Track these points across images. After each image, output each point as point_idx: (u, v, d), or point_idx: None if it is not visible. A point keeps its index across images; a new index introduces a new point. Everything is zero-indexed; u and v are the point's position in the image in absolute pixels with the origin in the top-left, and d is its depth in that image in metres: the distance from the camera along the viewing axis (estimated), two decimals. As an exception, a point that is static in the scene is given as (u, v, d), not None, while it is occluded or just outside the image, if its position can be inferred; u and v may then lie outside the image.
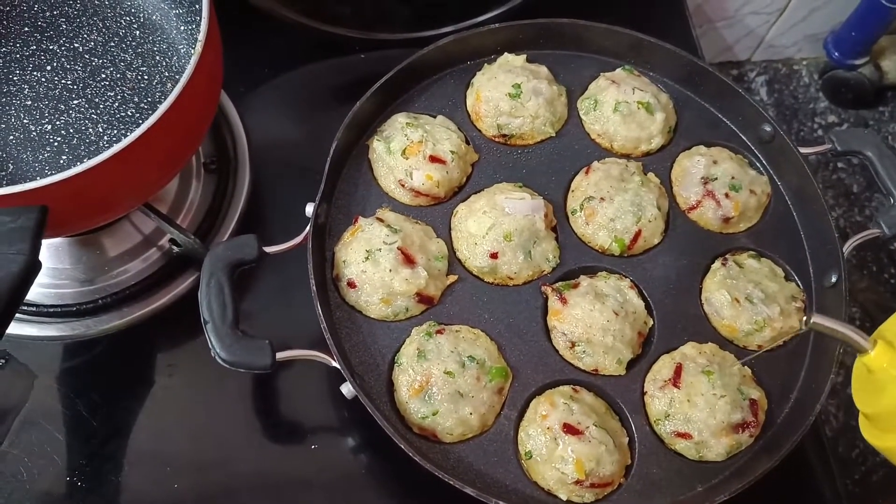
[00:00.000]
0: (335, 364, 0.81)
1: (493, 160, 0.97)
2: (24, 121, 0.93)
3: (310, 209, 0.87)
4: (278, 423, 0.96)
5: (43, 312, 0.98)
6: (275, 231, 1.05)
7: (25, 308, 0.97)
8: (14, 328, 0.97)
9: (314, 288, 0.83)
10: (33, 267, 0.77)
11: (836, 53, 1.47)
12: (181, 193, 1.06)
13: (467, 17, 1.17)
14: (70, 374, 0.97)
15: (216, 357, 0.79)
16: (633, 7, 1.30)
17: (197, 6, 0.97)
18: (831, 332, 0.72)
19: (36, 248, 0.77)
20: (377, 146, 0.95)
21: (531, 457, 0.82)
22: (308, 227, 0.86)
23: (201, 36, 0.85)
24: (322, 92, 1.19)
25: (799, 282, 0.94)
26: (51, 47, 0.98)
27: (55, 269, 1.01)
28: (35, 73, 0.96)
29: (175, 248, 1.01)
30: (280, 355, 0.80)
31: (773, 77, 1.56)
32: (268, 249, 0.85)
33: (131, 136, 0.79)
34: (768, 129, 0.98)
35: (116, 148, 0.78)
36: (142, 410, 0.95)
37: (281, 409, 0.97)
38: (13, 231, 0.76)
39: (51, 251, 1.01)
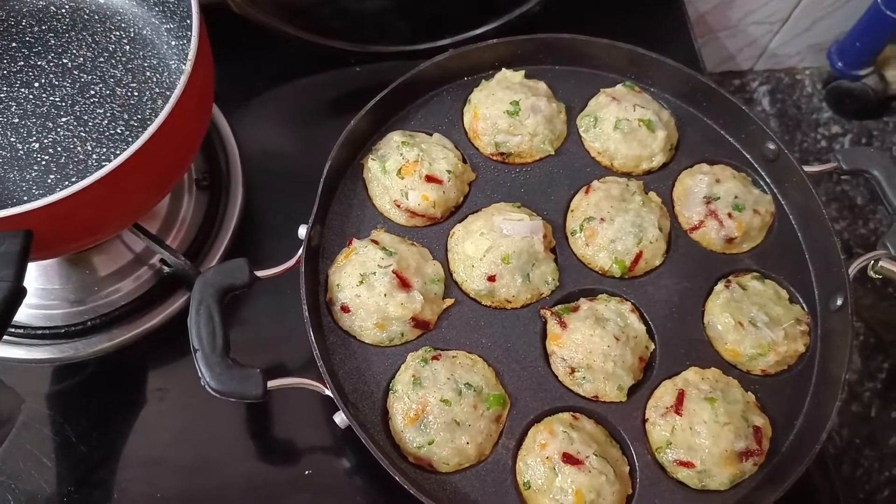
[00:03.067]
0: (328, 392, 0.79)
1: (490, 179, 0.95)
2: (11, 139, 0.92)
3: (303, 231, 0.85)
4: (272, 448, 0.94)
5: (31, 334, 0.96)
6: (267, 249, 1.04)
7: (13, 330, 0.96)
8: (1, 350, 0.95)
9: (307, 314, 0.81)
10: (18, 294, 0.75)
11: (840, 63, 1.45)
12: (172, 210, 1.04)
13: (464, 31, 1.15)
14: (59, 397, 0.95)
15: (206, 386, 0.77)
16: (633, 18, 1.28)
17: (188, 21, 0.95)
18: None
19: (20, 275, 0.75)
20: (372, 165, 0.93)
21: (530, 487, 0.80)
22: (301, 250, 0.84)
23: (191, 54, 0.83)
24: (316, 105, 1.17)
25: (804, 304, 0.92)
26: (39, 63, 0.96)
27: (44, 290, 0.99)
28: (22, 89, 0.95)
29: (165, 269, 0.99)
30: (271, 384, 0.78)
31: (775, 87, 1.54)
32: (259, 274, 0.82)
33: (119, 159, 0.77)
34: (772, 146, 0.96)
35: (104, 171, 0.76)
36: (132, 435, 0.93)
37: (274, 434, 0.95)
38: (-3, 257, 0.74)
39: (39, 270, 0.99)
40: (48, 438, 0.93)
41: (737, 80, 1.54)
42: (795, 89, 1.54)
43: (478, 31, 1.16)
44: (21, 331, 0.96)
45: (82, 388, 0.95)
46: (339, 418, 0.78)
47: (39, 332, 0.96)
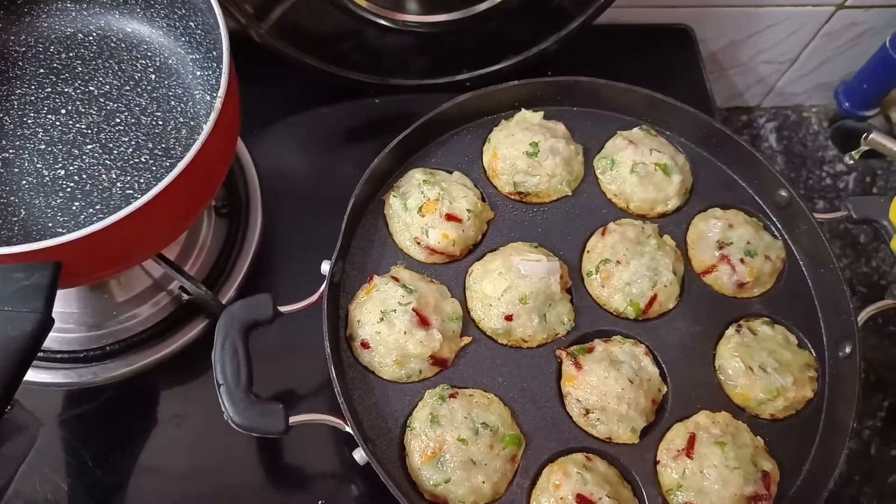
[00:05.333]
0: (348, 429, 0.80)
1: (508, 218, 0.97)
2: (38, 165, 0.93)
3: (325, 267, 0.86)
4: (286, 477, 0.95)
5: (50, 358, 0.97)
6: (285, 280, 1.05)
7: (33, 353, 0.97)
8: (21, 374, 0.96)
9: (328, 351, 0.82)
10: (46, 325, 0.76)
11: (847, 104, 1.48)
12: (191, 237, 1.05)
13: (482, 67, 1.17)
14: (76, 421, 0.96)
15: (229, 420, 0.78)
16: (647, 56, 1.30)
17: (214, 52, 0.97)
18: (886, 149, 0.73)
19: (49, 306, 0.76)
20: (394, 202, 0.94)
21: (543, 527, 0.81)
22: (323, 286, 0.86)
23: (221, 91, 0.83)
24: (335, 135, 1.19)
25: (812, 350, 0.94)
26: (66, 90, 0.98)
27: (63, 314, 1.00)
28: (49, 116, 0.96)
29: (185, 296, 1.00)
30: (293, 420, 0.79)
31: (782, 124, 1.57)
32: (283, 309, 0.84)
33: (149, 194, 0.77)
34: (785, 193, 0.98)
35: (134, 206, 0.77)
36: (148, 462, 0.94)
37: (289, 463, 0.96)
38: (27, 288, 0.75)
39: (59, 295, 1.00)
40: (65, 462, 0.94)
41: (744, 116, 1.57)
42: (802, 127, 1.56)
43: (495, 68, 1.18)
44: (41, 354, 0.96)
45: (99, 413, 0.96)
46: (359, 455, 0.79)
47: (59, 355, 0.97)
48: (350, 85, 1.16)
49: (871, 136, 0.74)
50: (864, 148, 0.78)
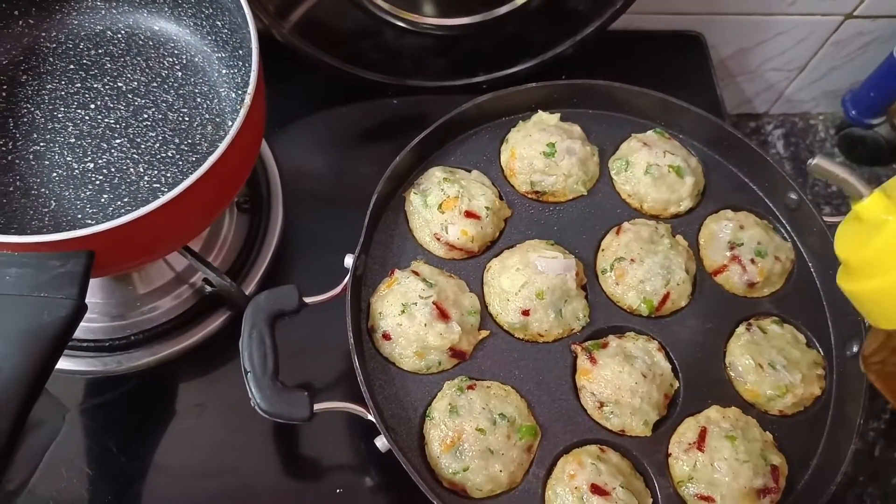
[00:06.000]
0: (370, 417, 0.82)
1: (525, 216, 0.99)
2: (68, 158, 0.95)
3: (349, 261, 0.89)
4: (305, 466, 0.98)
5: (76, 346, 0.99)
6: (305, 273, 1.07)
7: (60, 341, 0.99)
8: (48, 361, 0.98)
9: (352, 341, 0.84)
10: (80, 311, 0.78)
11: (854, 112, 1.50)
12: (214, 232, 1.08)
13: (499, 69, 1.20)
14: (100, 409, 0.98)
15: (256, 407, 0.80)
16: (660, 62, 1.33)
17: (240, 51, 0.99)
18: (831, 175, 0.71)
19: (83, 293, 0.78)
20: (414, 199, 0.97)
21: (558, 515, 0.84)
22: (347, 279, 0.88)
23: (250, 88, 0.86)
24: (353, 134, 1.21)
25: (820, 349, 0.96)
26: (95, 86, 1.00)
27: (88, 303, 1.02)
28: (79, 110, 0.98)
29: (208, 288, 1.02)
30: (317, 407, 0.81)
31: (789, 130, 1.59)
32: (307, 300, 0.86)
33: (181, 187, 0.80)
34: (794, 196, 1.00)
35: (166, 198, 0.79)
36: (169, 449, 0.96)
37: (308, 452, 0.98)
38: (62, 276, 0.77)
39: (85, 285, 1.03)
40: (89, 448, 0.96)
41: (752, 123, 1.59)
42: (809, 134, 1.59)
43: (511, 70, 1.20)
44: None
45: (123, 401, 0.98)
46: (381, 443, 0.81)
47: (85, 344, 0.99)
48: (368, 85, 1.19)
49: (814, 161, 0.72)
50: (813, 176, 0.75)
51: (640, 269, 0.94)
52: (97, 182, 0.94)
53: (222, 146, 0.82)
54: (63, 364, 0.98)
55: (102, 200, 0.93)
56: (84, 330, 1.01)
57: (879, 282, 0.70)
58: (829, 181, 0.72)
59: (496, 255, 0.96)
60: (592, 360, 0.89)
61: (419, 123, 1.00)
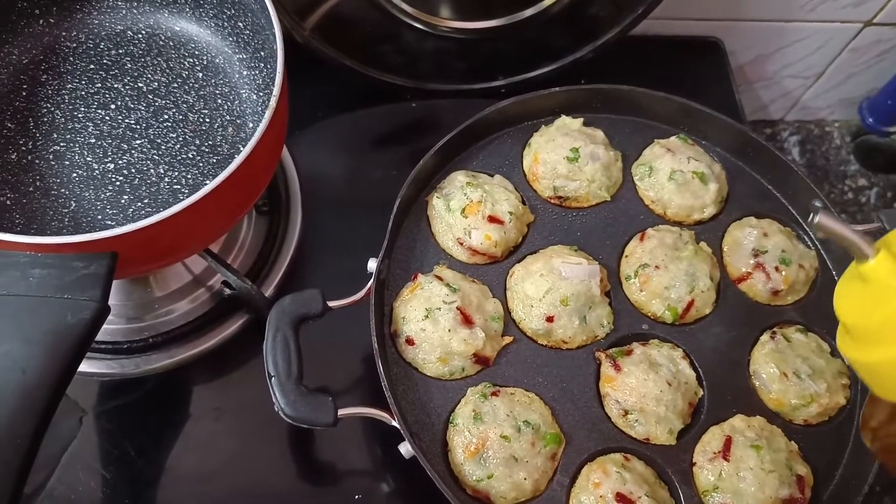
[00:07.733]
0: (394, 423, 0.81)
1: (548, 221, 0.99)
2: (88, 158, 0.94)
3: (372, 265, 0.88)
4: (323, 471, 0.97)
5: (93, 348, 0.98)
6: (324, 277, 1.06)
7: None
8: (65, 363, 0.97)
9: (376, 346, 0.84)
10: (103, 313, 0.77)
11: (870, 119, 1.50)
12: (232, 235, 1.07)
13: (519, 73, 1.19)
14: (118, 412, 0.97)
15: (280, 412, 0.80)
16: (679, 67, 1.32)
17: (261, 53, 0.99)
18: (834, 234, 0.65)
19: (106, 294, 0.77)
20: (437, 203, 0.96)
21: (583, 524, 0.83)
22: (370, 283, 0.87)
23: (276, 91, 0.85)
24: (372, 137, 1.20)
25: (845, 358, 0.95)
26: (115, 86, 0.99)
27: (105, 305, 1.01)
28: (99, 111, 0.97)
29: (227, 291, 1.02)
30: (342, 412, 0.80)
31: (805, 137, 1.59)
32: (331, 304, 0.85)
33: (204, 189, 0.79)
34: (818, 204, 0.99)
35: (191, 199, 0.78)
36: (187, 453, 0.96)
37: (326, 458, 0.97)
38: (86, 277, 0.76)
39: (102, 286, 1.02)
40: (107, 451, 0.95)
41: (768, 129, 1.59)
42: (825, 141, 1.58)
43: (531, 75, 1.20)
44: (85, 344, 0.98)
45: (141, 404, 0.97)
46: (405, 449, 0.81)
47: (103, 346, 0.98)
48: (386, 88, 1.18)
49: (817, 219, 0.64)
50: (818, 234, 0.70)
51: (664, 276, 0.93)
52: (117, 183, 0.93)
53: (248, 148, 0.81)
54: (80, 366, 0.96)
55: (122, 201, 0.92)
56: (101, 332, 0.97)
57: (889, 352, 0.63)
58: (833, 239, 0.66)
59: (519, 261, 0.95)
60: (617, 367, 0.89)
61: (437, 127, 1.00)
